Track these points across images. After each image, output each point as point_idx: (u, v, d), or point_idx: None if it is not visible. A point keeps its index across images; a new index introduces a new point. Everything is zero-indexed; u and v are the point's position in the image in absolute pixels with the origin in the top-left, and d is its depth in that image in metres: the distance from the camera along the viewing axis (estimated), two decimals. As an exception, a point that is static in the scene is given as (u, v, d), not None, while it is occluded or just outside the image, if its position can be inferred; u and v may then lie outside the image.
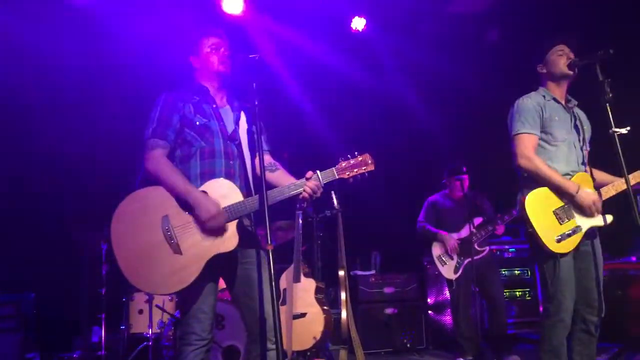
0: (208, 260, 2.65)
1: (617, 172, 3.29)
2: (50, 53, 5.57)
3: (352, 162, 2.84)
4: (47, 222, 5.58)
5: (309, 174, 2.80)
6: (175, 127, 2.84)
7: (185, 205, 2.70)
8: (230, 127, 2.94)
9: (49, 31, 5.55)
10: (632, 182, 3.30)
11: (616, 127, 3.12)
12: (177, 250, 2.65)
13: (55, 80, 5.71)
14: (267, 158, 3.07)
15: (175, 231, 2.67)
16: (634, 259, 5.27)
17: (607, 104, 3.12)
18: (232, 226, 2.71)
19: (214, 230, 2.67)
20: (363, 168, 2.84)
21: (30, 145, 5.72)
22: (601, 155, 3.55)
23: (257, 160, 2.94)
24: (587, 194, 3.23)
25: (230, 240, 2.69)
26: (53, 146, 5.80)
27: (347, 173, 2.83)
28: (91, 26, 5.68)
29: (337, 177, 2.83)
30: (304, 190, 2.77)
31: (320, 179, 2.80)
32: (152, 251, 2.64)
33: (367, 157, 2.86)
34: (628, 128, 3.13)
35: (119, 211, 2.71)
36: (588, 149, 3.52)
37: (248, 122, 2.99)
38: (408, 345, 6.08)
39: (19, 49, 5.52)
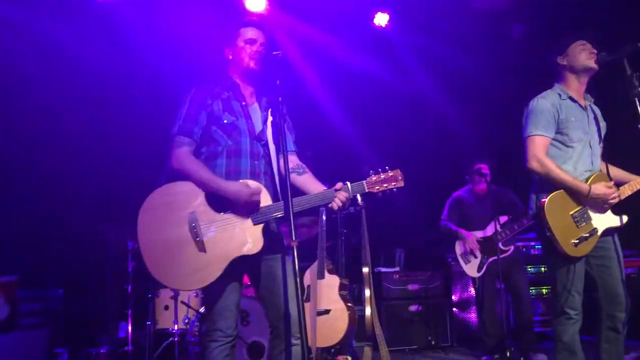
0: (231, 261, 2.66)
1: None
2: (73, 48, 5.64)
3: (382, 176, 2.81)
4: (75, 219, 5.64)
5: (339, 185, 2.77)
6: (202, 124, 2.85)
7: (214, 203, 2.71)
8: (258, 127, 2.93)
9: (72, 28, 5.63)
10: None
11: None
12: (201, 248, 2.66)
13: (80, 76, 5.78)
14: (294, 159, 3.03)
15: (202, 229, 2.68)
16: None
17: (636, 99, 3.07)
18: (258, 229, 2.71)
19: (251, 209, 2.67)
20: (393, 184, 2.81)
21: (58, 142, 5.80)
22: (623, 150, 3.51)
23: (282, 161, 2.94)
24: (598, 188, 3.20)
25: (255, 243, 2.69)
26: (81, 143, 5.88)
27: (376, 187, 2.81)
28: (113, 23, 5.76)
29: (366, 190, 2.81)
30: (334, 202, 2.75)
31: (350, 191, 2.78)
32: (177, 246, 2.66)
33: (398, 173, 2.83)
34: None
35: (147, 204, 2.72)
36: (602, 146, 3.48)
37: (274, 118, 2.97)
38: (432, 342, 6.06)
39: (42, 45, 5.60)
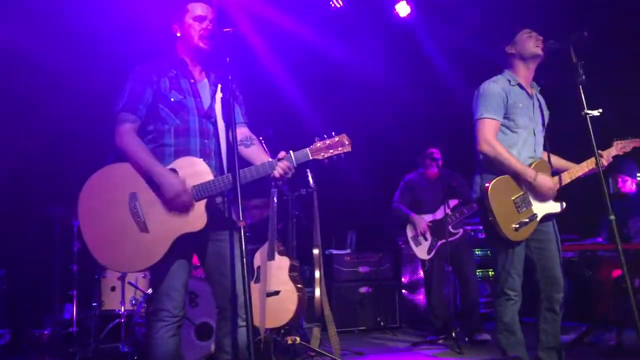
0: (175, 239, 2.62)
1: (581, 154, 3.39)
2: (16, 25, 5.44)
3: (327, 142, 2.71)
4: (18, 198, 5.49)
5: (282, 154, 2.70)
6: (147, 101, 2.77)
7: (154, 182, 2.65)
8: (206, 104, 2.86)
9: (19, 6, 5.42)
10: (587, 169, 3.43)
11: (588, 109, 3.15)
12: (143, 228, 2.61)
13: (26, 55, 5.57)
14: (245, 131, 2.98)
15: (143, 209, 2.63)
16: (600, 239, 5.37)
17: (580, 86, 3.15)
18: (200, 206, 2.65)
19: (180, 209, 2.62)
20: (339, 149, 2.71)
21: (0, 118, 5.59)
22: (565, 138, 3.62)
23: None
24: (544, 179, 3.29)
25: (197, 220, 2.64)
26: (24, 122, 5.68)
27: (322, 154, 2.71)
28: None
29: (310, 158, 2.72)
30: (275, 171, 2.68)
31: (294, 160, 2.71)
32: (119, 229, 2.61)
33: (344, 138, 2.72)
34: (600, 110, 3.17)
35: (87, 186, 2.67)
36: (544, 134, 3.57)
37: (224, 95, 2.90)
38: (381, 323, 6.15)
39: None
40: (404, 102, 7.26)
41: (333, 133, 2.75)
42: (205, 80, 2.94)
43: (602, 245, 5.26)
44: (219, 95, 2.90)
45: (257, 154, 2.88)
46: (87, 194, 2.66)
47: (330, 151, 2.72)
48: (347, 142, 2.73)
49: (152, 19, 4.83)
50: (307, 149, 2.73)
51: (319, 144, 2.72)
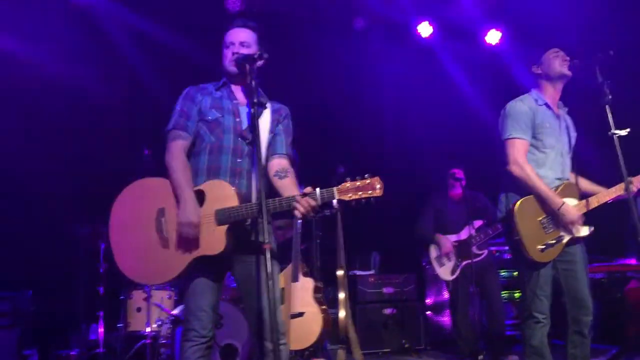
0: (192, 260, 2.64)
1: (613, 174, 3.30)
2: (46, 48, 5.58)
3: (357, 184, 2.54)
4: (45, 219, 5.57)
5: (308, 189, 2.59)
6: (195, 119, 2.87)
7: None
8: (245, 124, 2.89)
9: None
10: (615, 194, 3.35)
11: (616, 129, 3.11)
12: (165, 244, 2.67)
13: (53, 73, 5.71)
14: (283, 162, 2.91)
15: (168, 225, 2.68)
16: (634, 261, 5.25)
17: (607, 106, 3.12)
18: (221, 230, 2.65)
19: (186, 235, 2.64)
20: (369, 192, 2.53)
21: (27, 141, 5.70)
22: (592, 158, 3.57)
23: (272, 162, 2.90)
24: (569, 210, 3.22)
25: (216, 244, 2.64)
26: (50, 142, 5.79)
27: (349, 195, 2.54)
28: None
29: (336, 198, 2.56)
30: (297, 210, 2.55)
31: (318, 197, 2.55)
32: (143, 240, 2.70)
33: (376, 181, 2.54)
34: (628, 130, 3.12)
35: (123, 195, 2.81)
36: (571, 156, 3.52)
37: (271, 121, 2.93)
38: (406, 345, 6.07)
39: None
40: (427, 122, 7.24)
41: (366, 175, 2.57)
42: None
43: (631, 266, 5.15)
44: (265, 119, 2.91)
45: (287, 186, 2.78)
46: (121, 200, 2.80)
47: (359, 193, 2.55)
48: (378, 186, 2.55)
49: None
50: (335, 188, 2.57)
51: (348, 185, 2.56)
